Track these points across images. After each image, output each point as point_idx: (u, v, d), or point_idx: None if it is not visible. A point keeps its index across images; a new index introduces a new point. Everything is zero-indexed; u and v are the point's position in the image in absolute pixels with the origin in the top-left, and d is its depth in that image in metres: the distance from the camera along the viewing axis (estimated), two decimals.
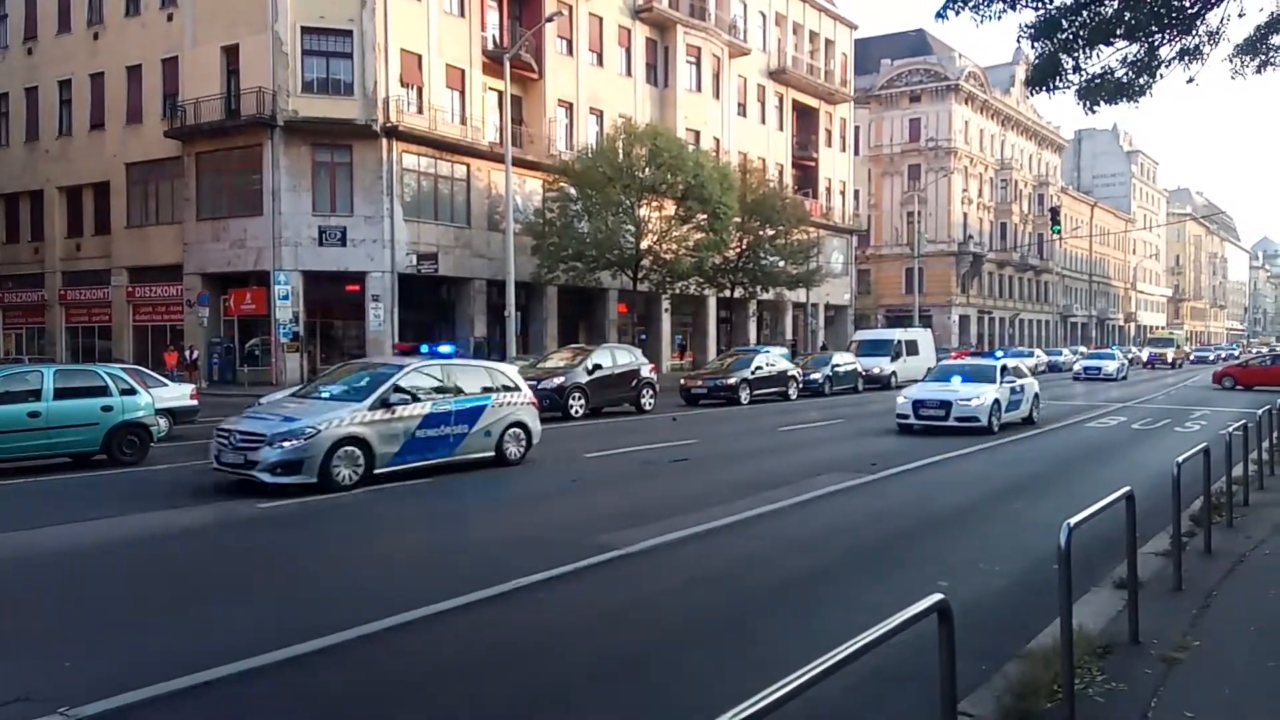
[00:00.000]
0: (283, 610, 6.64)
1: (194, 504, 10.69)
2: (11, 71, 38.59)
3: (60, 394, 13.26)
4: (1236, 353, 76.38)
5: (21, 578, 7.63)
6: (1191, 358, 74.01)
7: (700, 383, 27.27)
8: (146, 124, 34.28)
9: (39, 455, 13.18)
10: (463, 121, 33.76)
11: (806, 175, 52.98)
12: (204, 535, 9.31)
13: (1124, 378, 43.13)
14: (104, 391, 13.80)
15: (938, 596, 3.13)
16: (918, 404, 18.77)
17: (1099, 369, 43.51)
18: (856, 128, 61.46)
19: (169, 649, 5.71)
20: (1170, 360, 61.08)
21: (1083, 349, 68.23)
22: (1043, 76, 10.58)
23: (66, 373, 14.58)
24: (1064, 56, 10.35)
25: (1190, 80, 10.59)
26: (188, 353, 31.25)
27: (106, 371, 14.86)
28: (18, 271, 38.95)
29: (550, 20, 34.05)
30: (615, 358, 24.01)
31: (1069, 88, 10.63)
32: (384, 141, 31.15)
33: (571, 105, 38.30)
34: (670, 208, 34.63)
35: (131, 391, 14.17)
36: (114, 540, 8.95)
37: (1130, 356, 58.08)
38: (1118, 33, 10.17)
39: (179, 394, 18.13)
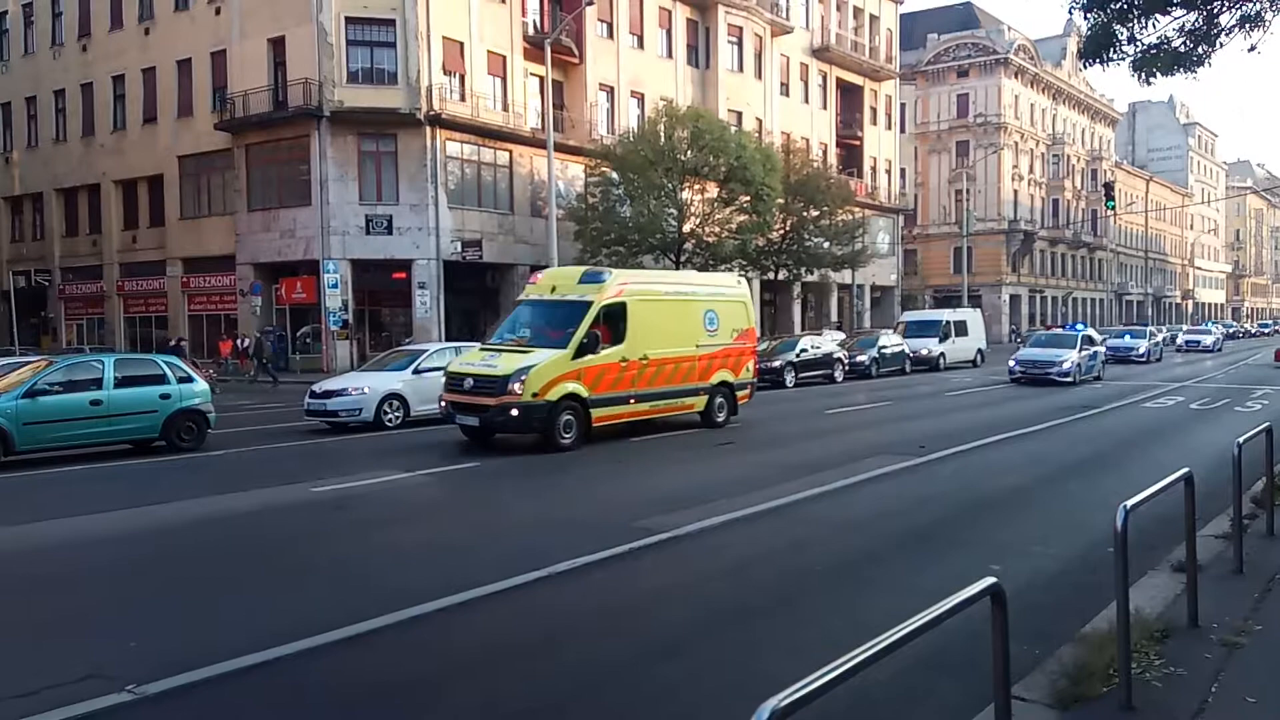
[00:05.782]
0: (338, 590, 6.78)
1: (252, 488, 10.96)
2: (68, 68, 39.58)
3: (121, 382, 13.66)
4: (1232, 335, 59.35)
5: (87, 560, 7.88)
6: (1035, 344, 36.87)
7: None
8: (197, 117, 34.95)
9: (101, 442, 13.61)
10: (504, 108, 33.88)
11: (851, 154, 52.25)
12: (262, 518, 9.55)
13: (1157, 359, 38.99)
14: (162, 380, 14.18)
15: (991, 580, 3.10)
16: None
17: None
18: (902, 105, 60.36)
19: (231, 629, 5.87)
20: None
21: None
22: (1096, 48, 10.31)
23: (126, 362, 14.99)
24: (1118, 27, 10.08)
25: (1252, 49, 10.24)
26: (239, 341, 31.94)
27: (164, 360, 15.26)
28: (77, 264, 40.13)
29: (590, 3, 33.87)
30: None
31: (1124, 59, 10.35)
32: (428, 130, 31.39)
33: (612, 89, 38.19)
34: (713, 190, 34.41)
35: (188, 379, 14.55)
36: (176, 524, 9.20)
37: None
38: (1174, 1, 9.86)
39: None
